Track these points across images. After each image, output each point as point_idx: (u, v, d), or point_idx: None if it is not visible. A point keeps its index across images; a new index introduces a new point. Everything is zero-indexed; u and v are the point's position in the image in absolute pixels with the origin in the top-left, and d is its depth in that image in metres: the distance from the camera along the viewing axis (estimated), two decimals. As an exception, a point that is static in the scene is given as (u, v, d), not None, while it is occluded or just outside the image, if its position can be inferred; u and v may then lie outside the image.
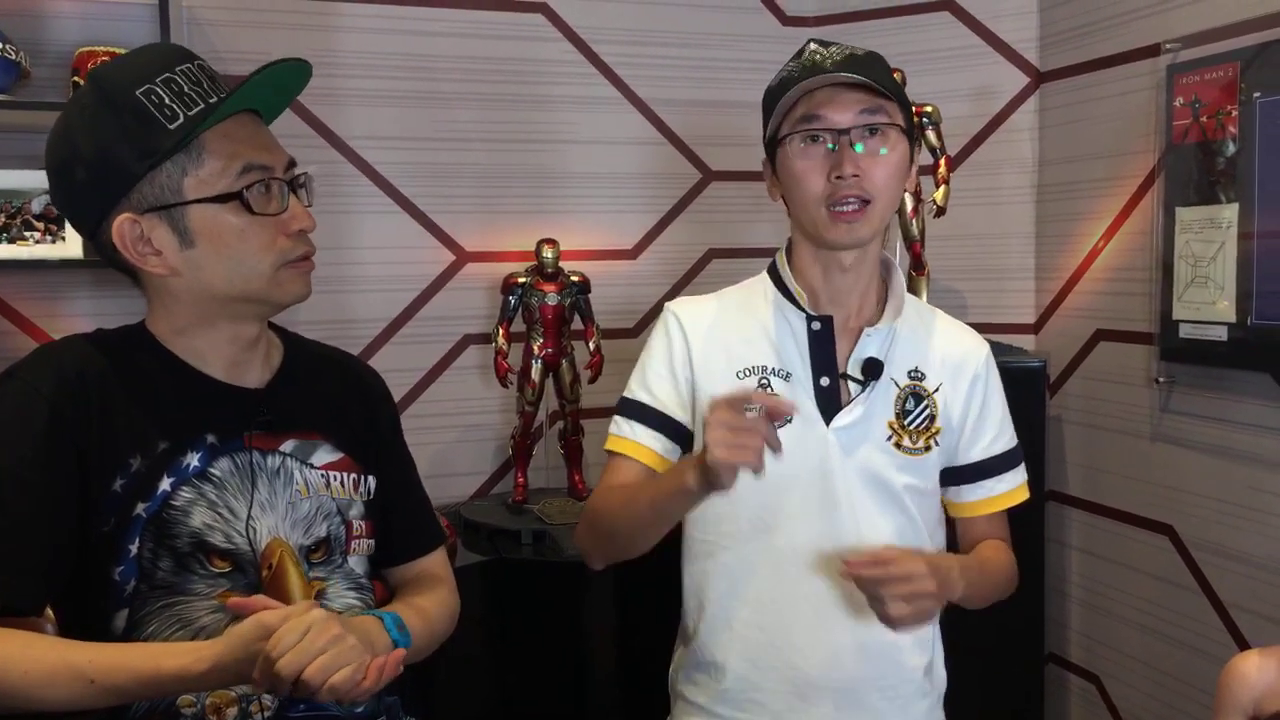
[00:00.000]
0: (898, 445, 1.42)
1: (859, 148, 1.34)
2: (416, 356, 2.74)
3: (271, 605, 1.05)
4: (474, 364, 2.80)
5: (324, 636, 1.03)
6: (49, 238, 2.29)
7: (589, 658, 2.43)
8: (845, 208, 1.35)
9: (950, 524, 1.56)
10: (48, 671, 1.05)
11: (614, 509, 1.41)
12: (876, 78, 1.34)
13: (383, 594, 1.38)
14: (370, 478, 1.33)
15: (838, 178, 1.34)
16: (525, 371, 2.56)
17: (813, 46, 1.41)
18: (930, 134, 2.59)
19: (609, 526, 1.42)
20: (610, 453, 1.49)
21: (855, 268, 1.43)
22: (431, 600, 1.34)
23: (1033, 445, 2.58)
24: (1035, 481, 2.61)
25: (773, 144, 1.42)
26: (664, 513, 1.34)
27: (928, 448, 1.44)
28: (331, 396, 1.34)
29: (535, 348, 2.55)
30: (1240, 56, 2.15)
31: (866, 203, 1.36)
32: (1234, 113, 2.16)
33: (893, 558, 1.25)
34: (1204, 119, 2.24)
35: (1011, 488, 1.52)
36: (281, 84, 1.23)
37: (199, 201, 1.16)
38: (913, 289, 2.59)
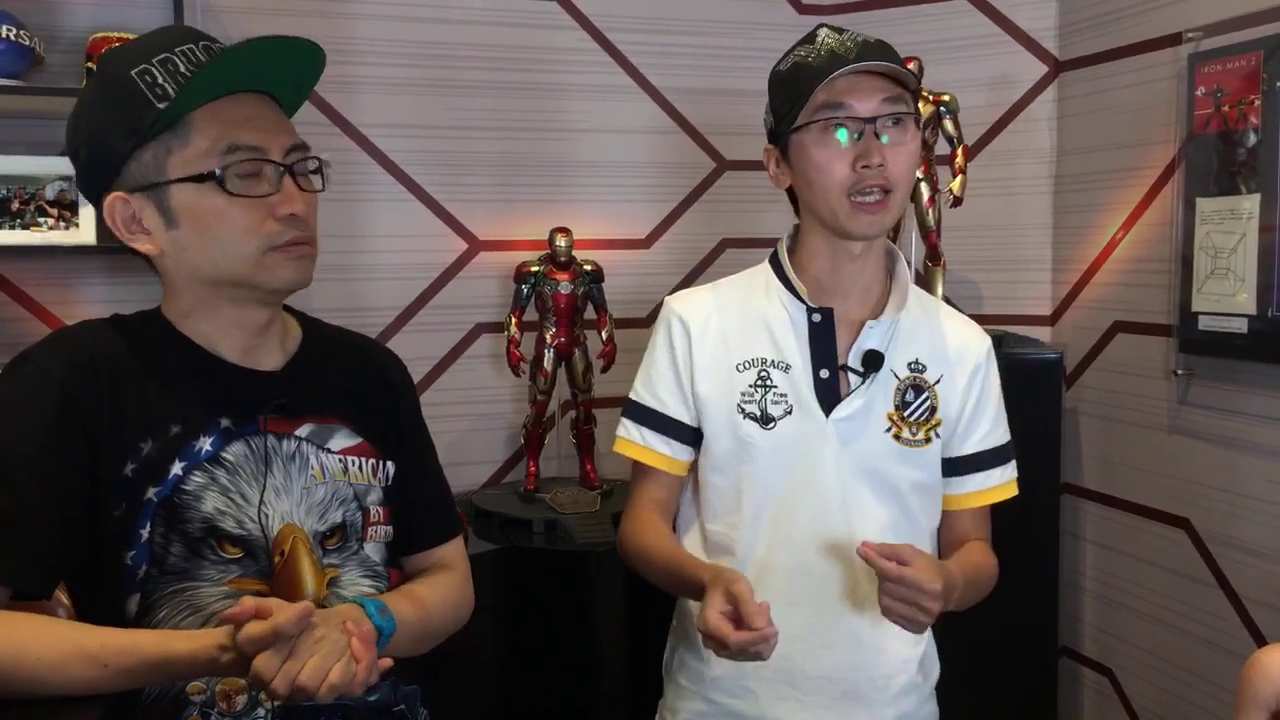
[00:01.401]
0: (897, 437, 1.42)
1: (885, 139, 1.34)
2: (429, 345, 2.74)
3: (264, 610, 1.02)
4: (486, 353, 2.79)
5: (308, 643, 1.02)
6: (62, 223, 2.29)
7: (598, 645, 2.43)
8: (868, 198, 1.35)
9: None
10: (60, 656, 1.04)
11: (641, 561, 1.47)
12: (898, 66, 1.35)
13: (398, 582, 1.37)
14: (389, 463, 1.31)
15: (864, 167, 1.34)
16: (538, 360, 2.55)
17: (826, 32, 1.40)
18: (947, 123, 2.57)
19: (639, 568, 1.49)
20: (630, 459, 1.51)
21: (864, 256, 1.43)
22: (435, 592, 1.31)
23: (1048, 437, 2.58)
24: (1050, 474, 2.62)
25: (784, 131, 1.40)
26: (684, 595, 1.49)
27: (928, 439, 1.44)
28: (350, 380, 1.31)
29: (548, 337, 2.54)
30: (1263, 45, 2.12)
31: (888, 192, 1.35)
32: (1256, 102, 2.14)
33: (911, 559, 1.24)
34: (1225, 109, 2.21)
35: (1000, 483, 1.52)
36: (276, 56, 1.17)
37: (179, 181, 1.14)
38: (928, 280, 2.57)
